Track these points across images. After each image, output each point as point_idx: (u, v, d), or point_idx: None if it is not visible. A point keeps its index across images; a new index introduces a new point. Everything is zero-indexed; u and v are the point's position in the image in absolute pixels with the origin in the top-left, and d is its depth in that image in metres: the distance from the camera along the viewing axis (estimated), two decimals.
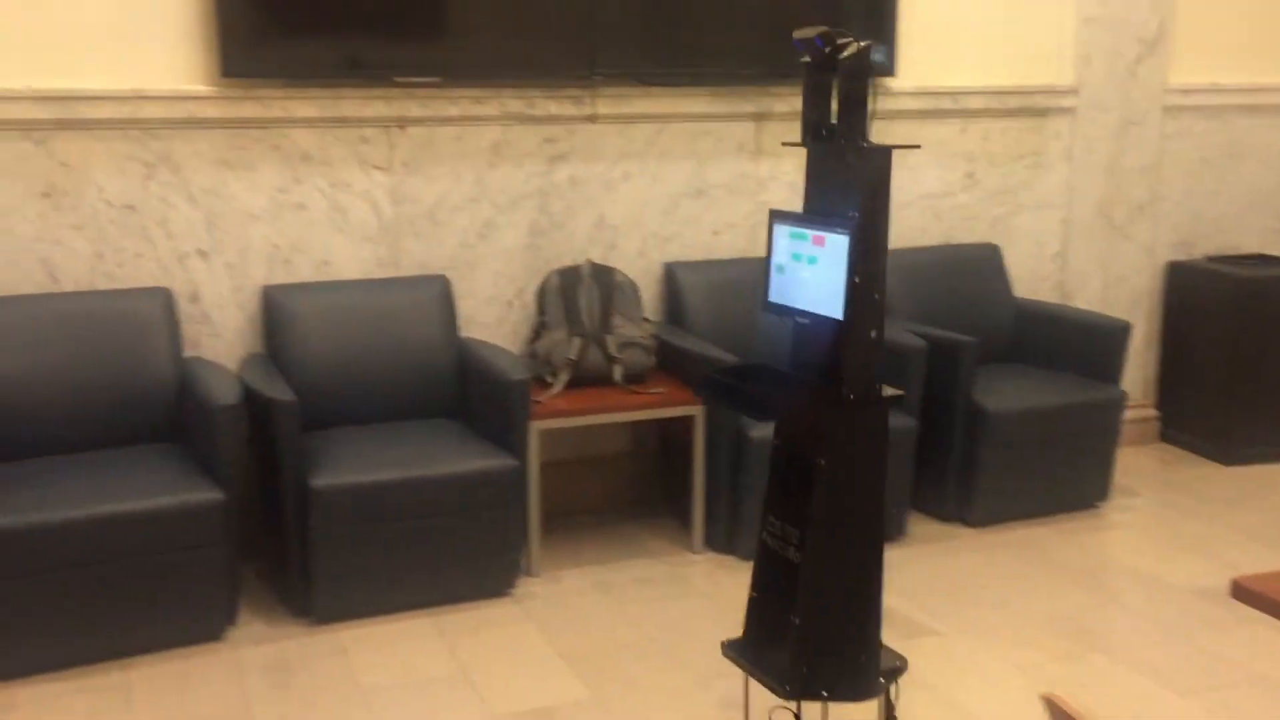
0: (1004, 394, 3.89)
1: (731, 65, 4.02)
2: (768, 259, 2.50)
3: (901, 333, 3.82)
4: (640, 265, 4.04)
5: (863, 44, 2.33)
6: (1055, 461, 3.97)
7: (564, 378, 3.66)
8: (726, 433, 3.58)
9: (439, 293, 3.71)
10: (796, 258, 2.45)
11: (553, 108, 3.84)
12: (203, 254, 3.53)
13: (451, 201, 3.79)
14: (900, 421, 3.70)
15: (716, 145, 4.08)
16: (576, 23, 3.77)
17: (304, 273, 3.65)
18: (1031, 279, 4.59)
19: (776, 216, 2.50)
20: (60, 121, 3.31)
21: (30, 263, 3.36)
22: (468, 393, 3.64)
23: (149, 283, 3.47)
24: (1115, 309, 4.56)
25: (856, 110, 2.33)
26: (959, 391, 3.79)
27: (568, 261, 3.93)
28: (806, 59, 2.42)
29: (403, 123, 3.68)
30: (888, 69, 4.11)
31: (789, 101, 4.04)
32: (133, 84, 3.36)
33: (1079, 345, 4.17)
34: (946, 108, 4.33)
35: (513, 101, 3.78)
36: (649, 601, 3.42)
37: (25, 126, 3.29)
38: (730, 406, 3.29)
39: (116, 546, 2.94)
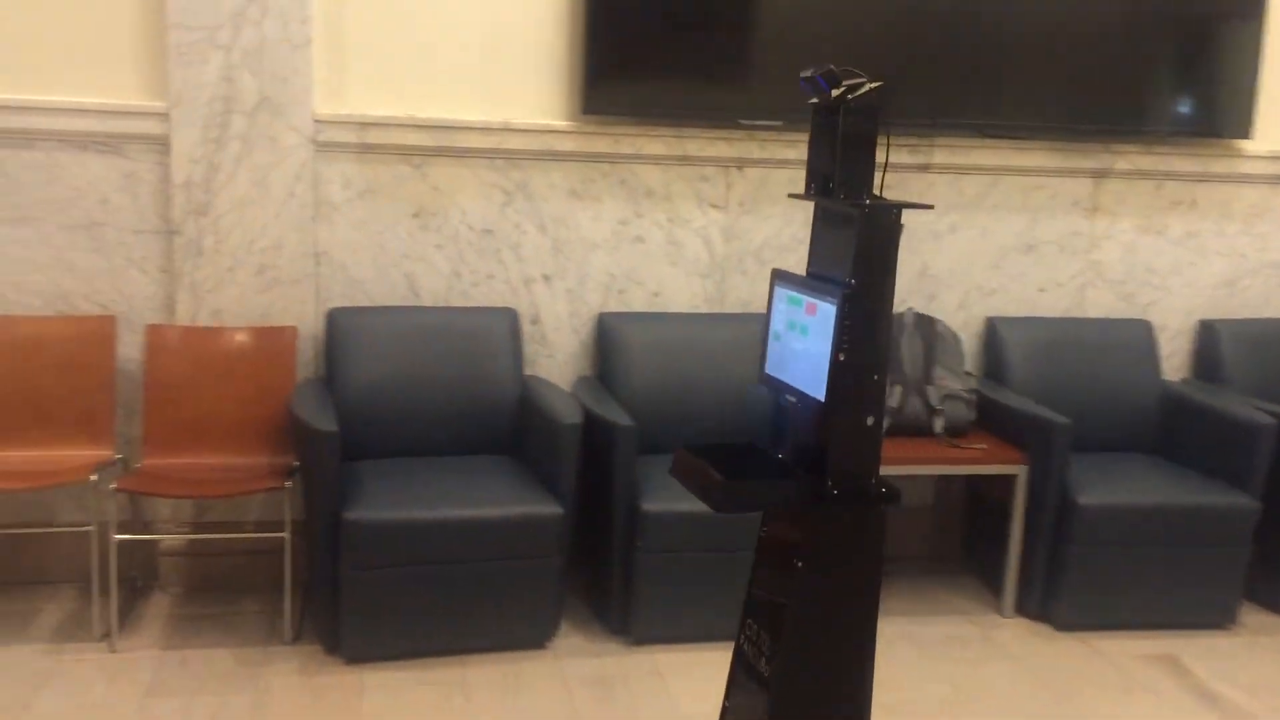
0: None
1: (1073, 120, 3.91)
2: (767, 324, 2.22)
3: (1246, 408, 3.60)
4: (960, 318, 3.98)
5: (872, 84, 2.03)
6: None
7: (884, 425, 3.63)
8: (1051, 496, 3.47)
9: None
10: (791, 326, 2.14)
11: (889, 155, 3.83)
12: (547, 279, 3.72)
13: (779, 242, 3.85)
14: (1239, 501, 3.50)
15: (1051, 200, 3.97)
16: (921, 72, 3.77)
17: (636, 302, 3.79)
18: None
19: (778, 277, 2.22)
20: (437, 149, 3.57)
21: (397, 277, 3.63)
22: None
23: (498, 303, 3.69)
24: None
25: (861, 161, 2.05)
26: None
27: None
28: (814, 100, 2.12)
29: (741, 163, 3.77)
30: (1242, 130, 3.91)
31: (1132, 160, 3.90)
32: (501, 116, 3.59)
33: None
34: None
35: None
36: (961, 661, 3.34)
37: (406, 151, 3.57)
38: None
39: (466, 550, 3.12)
